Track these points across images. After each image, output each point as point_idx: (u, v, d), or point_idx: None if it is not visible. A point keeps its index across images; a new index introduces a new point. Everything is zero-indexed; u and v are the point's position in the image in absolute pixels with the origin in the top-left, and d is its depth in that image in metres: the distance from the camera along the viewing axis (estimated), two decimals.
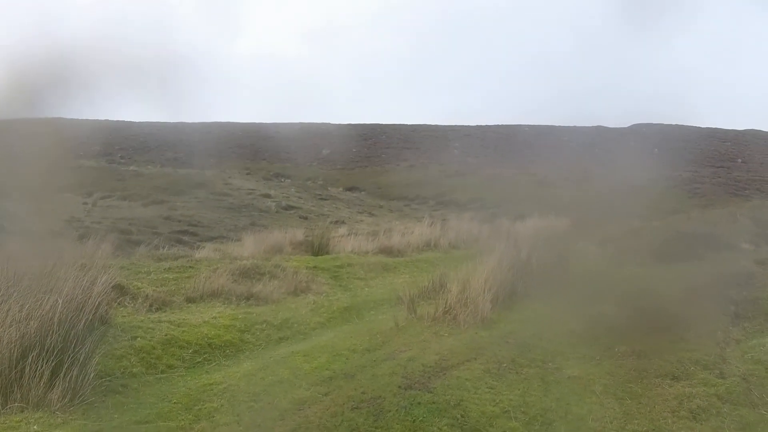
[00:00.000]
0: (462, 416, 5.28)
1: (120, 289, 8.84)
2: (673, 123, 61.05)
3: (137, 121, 60.47)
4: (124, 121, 60.13)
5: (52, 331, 5.86)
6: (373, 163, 58.19)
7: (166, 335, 7.48)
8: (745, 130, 67.87)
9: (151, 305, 8.83)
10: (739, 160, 57.32)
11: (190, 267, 11.26)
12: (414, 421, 5.15)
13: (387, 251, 15.82)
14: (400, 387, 5.67)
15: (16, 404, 5.32)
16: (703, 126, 66.38)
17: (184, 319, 8.29)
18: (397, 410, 5.27)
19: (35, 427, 5.02)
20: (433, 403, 5.42)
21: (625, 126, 55.66)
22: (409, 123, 71.62)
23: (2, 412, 5.26)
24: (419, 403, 5.38)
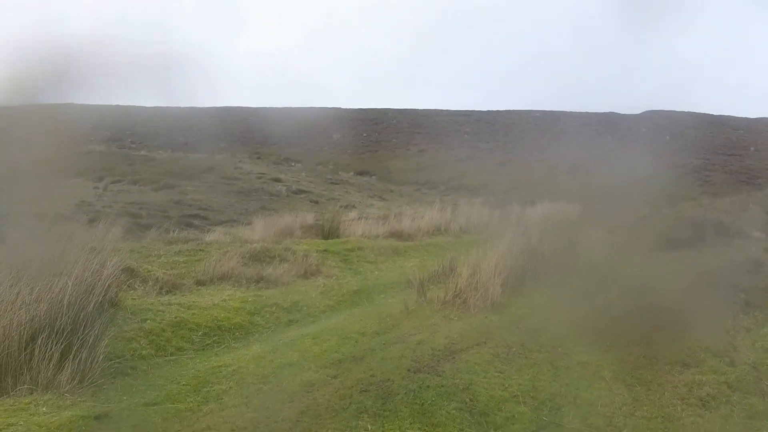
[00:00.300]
0: (471, 400, 5.28)
1: (130, 272, 8.85)
2: (685, 110, 60.75)
3: (147, 106, 60.50)
4: (134, 106, 59.99)
5: (62, 314, 5.89)
6: (384, 148, 58.05)
7: (175, 318, 7.50)
8: (758, 118, 67.30)
9: (161, 288, 8.84)
10: (752, 149, 56.81)
11: (200, 250, 11.27)
12: (423, 404, 5.15)
13: (397, 235, 15.81)
14: (409, 370, 5.67)
15: (26, 386, 5.34)
16: (715, 113, 65.97)
17: (194, 301, 8.31)
18: (405, 393, 5.27)
19: (44, 408, 5.03)
20: (442, 386, 5.41)
21: (637, 113, 55.46)
22: (420, 108, 71.49)
23: (12, 393, 5.29)
24: (428, 387, 5.38)
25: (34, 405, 5.09)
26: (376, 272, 11.68)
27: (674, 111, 58.89)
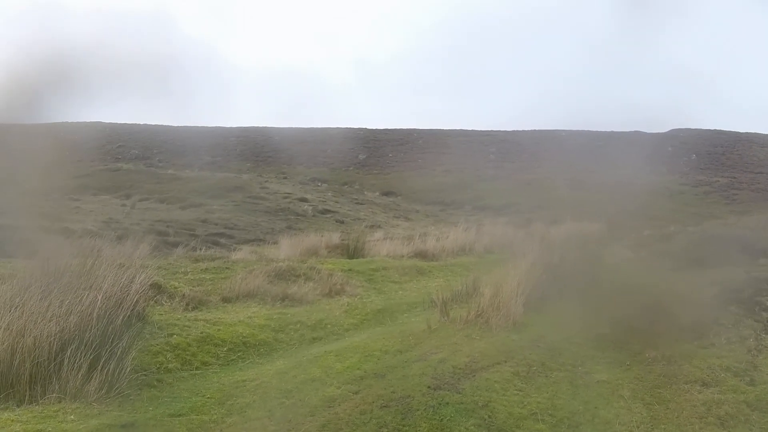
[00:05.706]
0: (489, 417, 5.33)
1: (157, 288, 9.02)
2: (712, 128, 60.30)
3: (175, 125, 61.23)
4: (162, 125, 60.86)
5: (91, 326, 6.06)
6: (410, 168, 58.09)
7: (201, 333, 7.63)
8: None
9: (187, 304, 8.99)
10: None
11: (226, 268, 11.43)
12: (441, 420, 5.21)
13: (422, 255, 15.85)
14: (429, 387, 5.74)
15: (54, 395, 5.49)
16: (742, 131, 65.40)
17: (219, 318, 8.45)
18: (425, 409, 5.34)
19: (72, 416, 5.17)
20: (461, 403, 5.48)
21: (663, 131, 55.17)
22: (445, 128, 71.57)
23: (41, 401, 5.44)
24: (447, 403, 5.44)
25: (62, 413, 5.23)
26: (400, 292, 11.74)
27: (700, 129, 58.58)
